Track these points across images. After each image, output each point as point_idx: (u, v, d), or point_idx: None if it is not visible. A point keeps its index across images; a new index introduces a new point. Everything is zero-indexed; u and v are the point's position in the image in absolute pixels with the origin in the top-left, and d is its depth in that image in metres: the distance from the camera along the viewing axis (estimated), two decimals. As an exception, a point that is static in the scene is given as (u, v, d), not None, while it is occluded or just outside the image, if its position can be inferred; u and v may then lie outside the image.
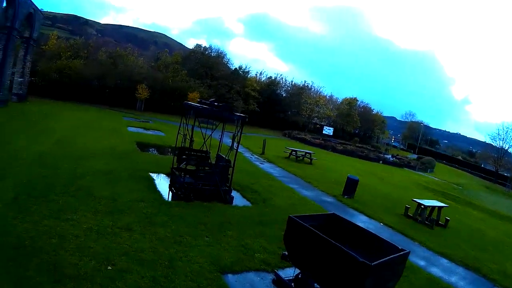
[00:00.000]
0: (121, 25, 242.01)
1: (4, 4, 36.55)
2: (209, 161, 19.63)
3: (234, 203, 17.64)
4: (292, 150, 38.47)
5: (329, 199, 23.17)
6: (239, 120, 18.67)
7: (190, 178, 17.71)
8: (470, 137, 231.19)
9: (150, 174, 20.66)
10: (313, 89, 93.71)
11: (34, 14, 44.50)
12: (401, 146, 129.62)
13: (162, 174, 21.45)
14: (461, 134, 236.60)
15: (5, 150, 19.48)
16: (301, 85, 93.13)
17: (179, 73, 71.45)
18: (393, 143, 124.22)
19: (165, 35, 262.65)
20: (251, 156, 35.75)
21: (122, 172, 19.34)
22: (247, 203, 18.51)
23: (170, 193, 17.78)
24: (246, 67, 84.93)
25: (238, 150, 19.09)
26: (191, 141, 18.74)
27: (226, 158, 18.93)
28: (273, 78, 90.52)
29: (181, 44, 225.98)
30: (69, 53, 64.63)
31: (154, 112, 63.04)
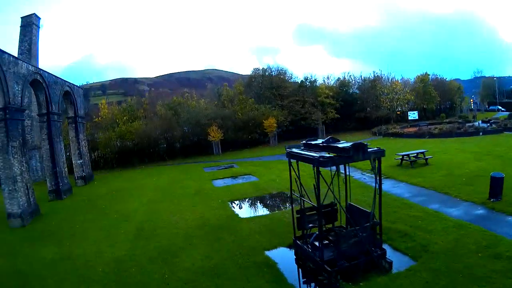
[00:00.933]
0: (171, 73, 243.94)
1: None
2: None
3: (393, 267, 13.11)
4: (403, 156, 32.62)
5: (479, 209, 18.82)
6: (375, 159, 13.11)
7: (327, 250, 13.55)
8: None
9: (267, 254, 15.65)
10: (384, 77, 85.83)
11: (71, 91, 42.38)
12: (485, 107, 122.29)
13: (282, 248, 16.34)
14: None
15: (75, 262, 16.44)
16: (371, 77, 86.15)
17: (246, 103, 66.85)
18: (477, 108, 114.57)
19: (216, 69, 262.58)
20: (363, 176, 29.98)
21: (230, 265, 14.58)
22: (407, 260, 13.87)
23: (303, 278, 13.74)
24: (311, 76, 79.61)
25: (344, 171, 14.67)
26: (317, 196, 12.81)
27: (365, 210, 14.37)
28: (342, 78, 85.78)
29: (234, 73, 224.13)
30: (125, 117, 62.22)
31: (233, 151, 59.38)
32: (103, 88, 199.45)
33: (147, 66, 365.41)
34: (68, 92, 41.54)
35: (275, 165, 39.53)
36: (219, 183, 33.33)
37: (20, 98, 27.92)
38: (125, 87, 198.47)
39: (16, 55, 45.76)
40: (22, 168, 26.64)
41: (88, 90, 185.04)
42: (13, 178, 25.51)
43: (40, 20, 53.53)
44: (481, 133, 52.01)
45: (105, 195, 32.84)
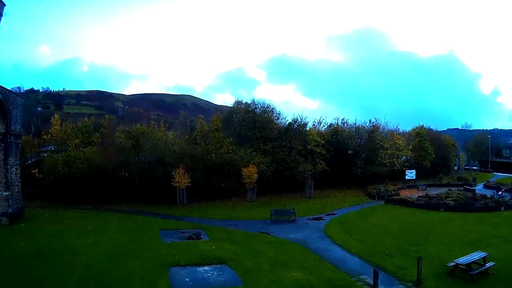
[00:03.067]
0: (147, 93, 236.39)
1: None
2: None
3: None
4: (458, 264, 22.67)
5: None
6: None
7: None
8: (509, 128, 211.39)
9: None
10: (381, 128, 75.06)
11: (4, 100, 33.65)
12: (477, 167, 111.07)
13: None
14: (499, 128, 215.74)
15: None
16: (366, 125, 74.74)
17: (223, 143, 56.92)
18: (471, 167, 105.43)
19: (191, 96, 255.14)
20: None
21: None
22: None
23: None
24: (301, 118, 66.52)
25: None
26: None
27: None
28: (334, 125, 73.75)
29: (209, 102, 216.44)
30: (77, 140, 53.02)
31: (202, 202, 49.91)
32: (79, 98, 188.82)
33: (124, 82, 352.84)
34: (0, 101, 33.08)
35: (261, 247, 29.55)
36: (179, 277, 22.62)
37: None
38: (101, 100, 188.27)
39: None
40: None
41: (64, 98, 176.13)
42: None
43: (5, 8, 43.35)
44: (502, 208, 44.93)
45: (18, 259, 24.21)
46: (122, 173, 50.94)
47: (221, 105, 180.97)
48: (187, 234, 33.11)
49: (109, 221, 37.77)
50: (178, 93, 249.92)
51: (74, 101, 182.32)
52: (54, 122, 54.72)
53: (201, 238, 32.33)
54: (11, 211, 34.21)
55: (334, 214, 43.74)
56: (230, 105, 70.40)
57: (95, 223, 36.02)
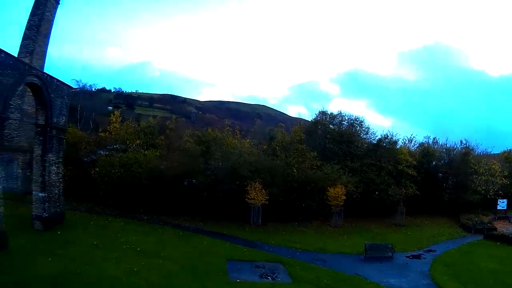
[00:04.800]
0: (221, 100, 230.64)
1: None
2: None
3: None
4: None
5: None
6: None
7: None
8: None
9: None
10: (476, 150, 64.22)
11: (43, 85, 28.05)
12: None
13: None
14: None
15: None
16: (457, 147, 64.63)
17: (305, 157, 48.54)
18: None
19: (265, 106, 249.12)
20: None
21: None
22: None
23: None
24: (391, 135, 57.60)
25: None
26: None
27: None
28: (426, 144, 64.73)
29: (283, 113, 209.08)
30: (138, 140, 47.07)
31: (279, 223, 41.90)
32: (151, 100, 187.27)
33: (196, 89, 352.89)
34: (36, 86, 27.50)
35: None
36: None
37: None
38: (173, 104, 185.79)
39: (24, 28, 41.46)
40: None
41: (135, 99, 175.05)
42: None
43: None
44: None
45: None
46: (187, 183, 43.98)
47: (296, 117, 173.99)
48: (262, 270, 26.29)
49: (166, 240, 31.01)
50: (253, 103, 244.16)
51: (147, 103, 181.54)
52: (114, 119, 49.21)
53: (280, 279, 25.13)
54: (46, 215, 28.86)
55: (434, 251, 37.73)
56: (304, 118, 63.94)
57: (148, 241, 29.44)
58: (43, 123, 28.96)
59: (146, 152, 43.53)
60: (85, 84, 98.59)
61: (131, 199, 39.91)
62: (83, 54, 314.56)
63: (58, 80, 30.18)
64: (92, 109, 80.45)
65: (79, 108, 70.60)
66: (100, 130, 49.94)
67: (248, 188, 39.38)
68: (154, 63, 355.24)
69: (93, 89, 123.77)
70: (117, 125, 48.14)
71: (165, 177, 40.01)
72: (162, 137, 49.86)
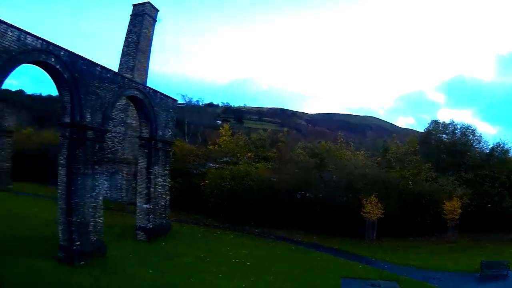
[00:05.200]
0: (329, 113, 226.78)
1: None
2: None
3: None
4: None
5: None
6: None
7: None
8: None
9: None
10: None
11: (145, 98, 28.22)
12: None
13: None
14: None
15: None
16: None
17: (420, 168, 44.55)
18: None
19: (375, 117, 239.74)
20: None
21: None
22: None
23: None
24: (503, 144, 51.40)
25: None
26: None
27: None
28: None
29: (393, 124, 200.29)
30: (249, 153, 46.15)
31: (393, 239, 38.14)
32: (260, 114, 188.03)
33: (307, 101, 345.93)
34: (138, 100, 27.68)
35: None
36: None
37: None
38: (282, 117, 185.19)
39: (121, 45, 44.51)
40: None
41: (244, 113, 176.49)
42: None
43: (158, 14, 46.99)
44: None
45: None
46: (299, 196, 42.23)
47: (406, 128, 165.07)
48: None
49: (277, 254, 29.00)
50: (361, 114, 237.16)
51: (256, 117, 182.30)
52: (223, 132, 48.94)
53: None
54: (150, 226, 28.78)
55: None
56: (415, 129, 58.01)
57: (258, 256, 27.73)
58: (147, 136, 29.06)
59: (257, 164, 42.72)
60: (191, 99, 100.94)
61: (241, 212, 39.00)
62: (186, 70, 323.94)
63: (161, 94, 30.25)
64: (200, 123, 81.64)
65: (186, 122, 72.13)
66: (209, 143, 49.91)
67: (364, 202, 36.53)
68: (258, 78, 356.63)
69: (200, 104, 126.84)
70: (226, 138, 47.72)
71: (277, 190, 38.74)
72: (274, 150, 48.69)
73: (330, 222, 38.19)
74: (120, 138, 44.28)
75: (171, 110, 31.47)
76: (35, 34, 18.28)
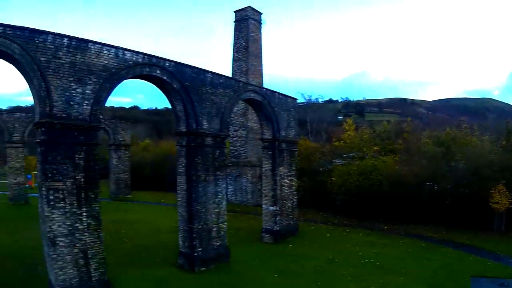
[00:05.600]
0: (446, 98, 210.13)
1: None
2: None
3: None
4: None
5: None
6: None
7: None
8: None
9: None
10: None
11: (264, 100, 25.77)
12: None
13: None
14: None
15: None
16: None
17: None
18: None
19: (490, 99, 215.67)
20: None
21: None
22: None
23: None
24: None
25: None
26: None
27: None
28: None
29: (509, 104, 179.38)
30: (375, 147, 41.57)
31: None
32: (380, 105, 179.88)
33: (424, 88, 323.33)
34: (257, 102, 25.41)
35: None
36: None
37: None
38: (402, 107, 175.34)
39: (231, 52, 43.71)
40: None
41: (364, 106, 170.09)
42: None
43: (262, 16, 44.74)
44: None
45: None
46: (427, 188, 36.27)
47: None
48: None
49: (407, 252, 24.56)
50: (477, 97, 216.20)
51: (376, 109, 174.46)
52: (347, 127, 44.96)
53: None
54: (277, 228, 26.27)
55: None
56: None
57: (387, 255, 23.69)
58: (269, 137, 26.59)
59: (384, 158, 38.31)
60: (310, 97, 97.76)
61: (369, 208, 34.99)
62: (298, 70, 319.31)
63: (280, 94, 27.45)
64: (321, 121, 78.56)
65: (308, 120, 69.32)
66: (333, 139, 45.96)
67: (492, 191, 30.50)
68: (372, 70, 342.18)
69: (320, 101, 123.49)
70: (351, 133, 43.80)
71: (405, 183, 33.81)
72: (400, 142, 43.64)
73: (458, 215, 32.62)
74: (242, 141, 42.77)
75: (291, 110, 28.64)
76: (134, 49, 17.07)
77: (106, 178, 49.65)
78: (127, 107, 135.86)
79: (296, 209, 29.03)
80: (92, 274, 15.51)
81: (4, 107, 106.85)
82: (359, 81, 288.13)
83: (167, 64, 18.50)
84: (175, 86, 18.88)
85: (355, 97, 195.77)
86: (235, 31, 43.74)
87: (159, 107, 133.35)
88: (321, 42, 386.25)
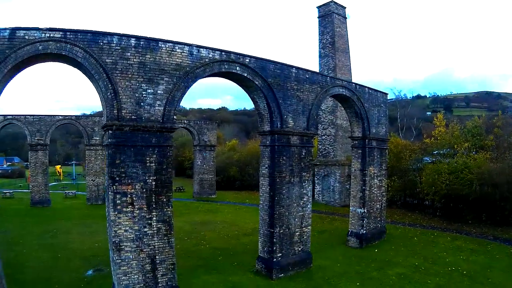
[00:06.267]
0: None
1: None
2: None
3: None
4: None
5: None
6: None
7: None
8: None
9: None
10: None
11: (353, 95, 21.76)
12: None
13: None
14: None
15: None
16: None
17: None
18: None
19: None
20: None
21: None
22: None
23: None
24: None
25: None
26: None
27: None
28: None
29: None
30: (467, 143, 34.91)
31: None
32: (467, 100, 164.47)
33: (509, 80, 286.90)
34: (346, 98, 21.42)
35: None
36: None
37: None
38: (489, 101, 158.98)
39: (317, 48, 39.68)
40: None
41: (451, 101, 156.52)
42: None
43: (346, 9, 40.29)
44: None
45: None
46: None
47: None
48: None
49: (494, 260, 19.52)
50: None
51: (463, 103, 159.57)
52: (438, 123, 39.52)
53: None
54: (364, 231, 22.03)
55: None
56: None
57: (474, 262, 19.04)
58: (359, 135, 22.33)
59: (475, 155, 32.25)
60: (399, 92, 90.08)
61: (459, 210, 29.79)
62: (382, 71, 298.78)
63: (370, 88, 22.99)
64: (411, 117, 71.14)
65: (398, 116, 63.04)
66: (424, 136, 41.09)
67: None
68: (457, 65, 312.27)
69: (408, 98, 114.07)
70: (442, 129, 38.31)
71: (495, 183, 27.69)
72: (491, 137, 36.64)
73: None
74: (331, 140, 38.23)
75: (382, 105, 24.12)
76: (209, 46, 14.43)
77: (192, 178, 48.45)
78: (215, 108, 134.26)
79: (384, 211, 24.53)
80: (159, 280, 13.07)
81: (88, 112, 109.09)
82: (443, 79, 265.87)
83: (247, 60, 15.47)
84: (257, 83, 15.80)
85: (443, 92, 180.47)
86: (319, 27, 39.57)
87: (247, 108, 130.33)
88: (400, 40, 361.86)
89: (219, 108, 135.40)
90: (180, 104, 14.26)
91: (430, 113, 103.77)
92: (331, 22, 38.24)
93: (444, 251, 21.11)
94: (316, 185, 39.36)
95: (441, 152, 36.35)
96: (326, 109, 38.57)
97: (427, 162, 35.09)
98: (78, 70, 12.90)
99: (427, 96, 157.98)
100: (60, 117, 38.30)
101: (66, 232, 24.62)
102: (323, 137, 39.24)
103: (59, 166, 71.33)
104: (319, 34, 39.63)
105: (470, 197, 28.40)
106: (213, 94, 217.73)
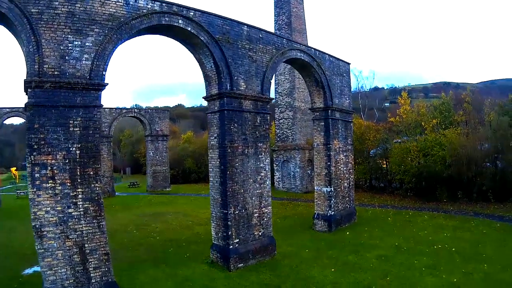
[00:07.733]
0: (493, 80, 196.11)
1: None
2: None
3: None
4: None
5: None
6: None
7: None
8: None
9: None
10: None
11: (312, 61, 20.50)
12: None
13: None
14: None
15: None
16: None
17: None
18: None
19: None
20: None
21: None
22: None
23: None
24: None
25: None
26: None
27: None
28: None
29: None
30: (435, 120, 35.35)
31: None
32: (426, 90, 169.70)
33: (469, 71, 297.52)
34: (304, 64, 20.23)
35: None
36: None
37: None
38: (447, 90, 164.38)
39: (272, 30, 38.40)
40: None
41: (410, 92, 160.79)
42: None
43: None
44: None
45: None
46: (490, 165, 30.53)
47: None
48: None
49: (482, 235, 19.04)
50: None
51: (422, 94, 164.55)
52: (403, 101, 39.31)
53: None
54: (332, 213, 20.84)
55: None
56: None
57: (460, 239, 18.37)
58: (321, 105, 21.20)
59: (445, 132, 32.11)
60: (358, 83, 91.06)
61: (432, 188, 29.49)
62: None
63: (331, 56, 21.91)
64: (369, 107, 71.53)
65: (359, 98, 62.74)
66: (389, 115, 41.15)
67: None
68: (416, 57, 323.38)
69: (366, 90, 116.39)
70: (407, 107, 37.92)
71: (469, 159, 27.87)
72: (461, 113, 36.85)
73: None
74: (289, 123, 37.69)
75: (345, 75, 23.24)
76: None
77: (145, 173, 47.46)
78: (171, 106, 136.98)
79: (353, 190, 23.65)
80: (92, 275, 11.23)
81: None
82: (401, 72, 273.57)
83: (191, 13, 13.99)
84: (202, 39, 14.28)
85: (400, 83, 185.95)
86: (275, 7, 39.14)
87: (204, 104, 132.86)
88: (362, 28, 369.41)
89: (176, 105, 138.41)
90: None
91: (388, 104, 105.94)
92: (287, 2, 37.85)
93: (424, 229, 20.54)
94: (275, 171, 38.78)
95: (408, 131, 36.28)
96: (283, 91, 37.95)
97: (395, 143, 34.98)
98: (4, 27, 11.42)
99: (385, 88, 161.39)
100: (7, 109, 35.94)
101: (10, 230, 22.86)
102: (281, 120, 38.57)
103: (15, 168, 69.56)
104: (275, 15, 39.15)
105: (444, 174, 28.45)
106: (169, 92, 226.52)
